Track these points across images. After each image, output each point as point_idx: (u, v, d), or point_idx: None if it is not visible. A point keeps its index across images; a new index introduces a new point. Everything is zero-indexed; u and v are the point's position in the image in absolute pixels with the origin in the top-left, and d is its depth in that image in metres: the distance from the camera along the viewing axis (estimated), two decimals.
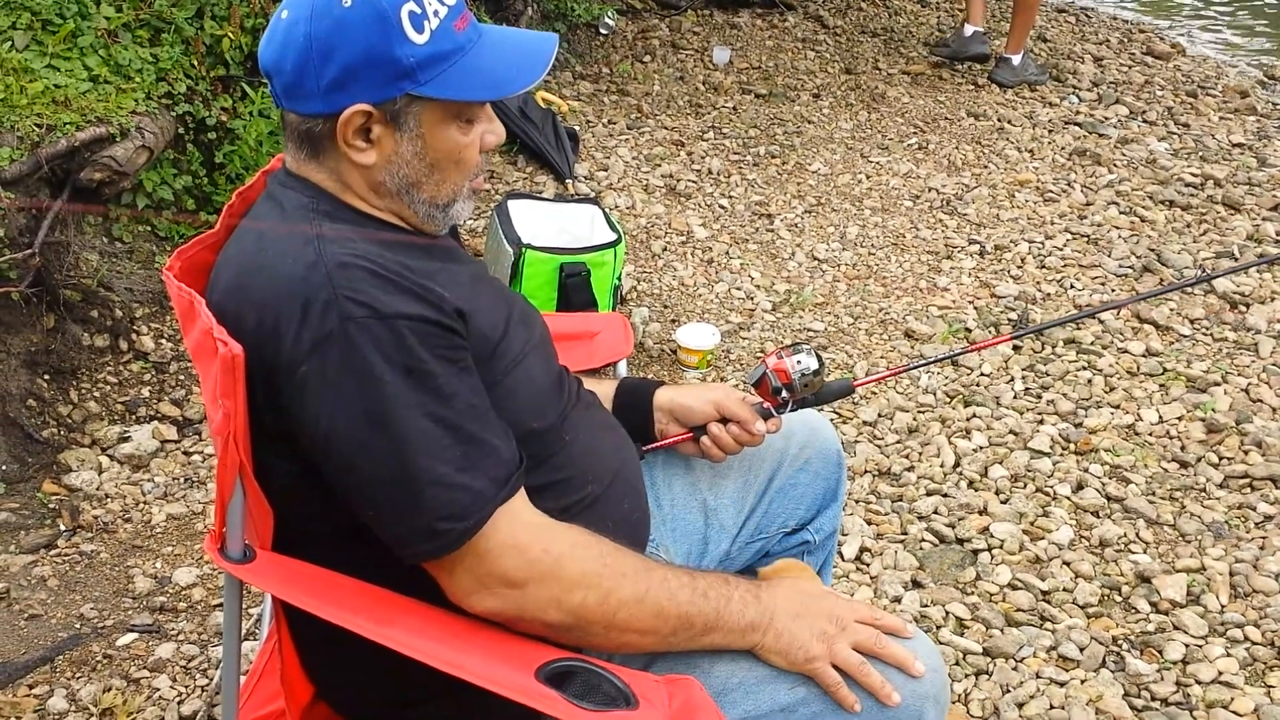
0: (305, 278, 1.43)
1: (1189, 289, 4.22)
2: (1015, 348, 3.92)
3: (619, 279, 3.89)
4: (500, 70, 1.58)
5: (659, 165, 5.14)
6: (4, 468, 3.09)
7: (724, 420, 1.92)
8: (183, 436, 3.32)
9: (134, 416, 3.35)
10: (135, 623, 2.70)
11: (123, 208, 3.66)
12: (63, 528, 2.97)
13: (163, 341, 3.58)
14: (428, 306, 1.44)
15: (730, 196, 4.96)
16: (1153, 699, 2.55)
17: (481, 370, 1.52)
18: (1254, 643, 2.70)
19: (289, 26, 1.52)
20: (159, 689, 2.52)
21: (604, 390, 1.99)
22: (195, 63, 3.87)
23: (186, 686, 2.54)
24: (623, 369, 2.46)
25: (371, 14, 1.49)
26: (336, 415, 1.39)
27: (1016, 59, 6.00)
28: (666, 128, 5.49)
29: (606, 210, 4.07)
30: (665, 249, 4.51)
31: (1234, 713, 2.51)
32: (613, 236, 3.84)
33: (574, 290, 3.71)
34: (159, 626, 2.70)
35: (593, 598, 1.47)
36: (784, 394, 1.90)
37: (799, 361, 1.90)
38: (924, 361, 2.19)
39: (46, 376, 3.29)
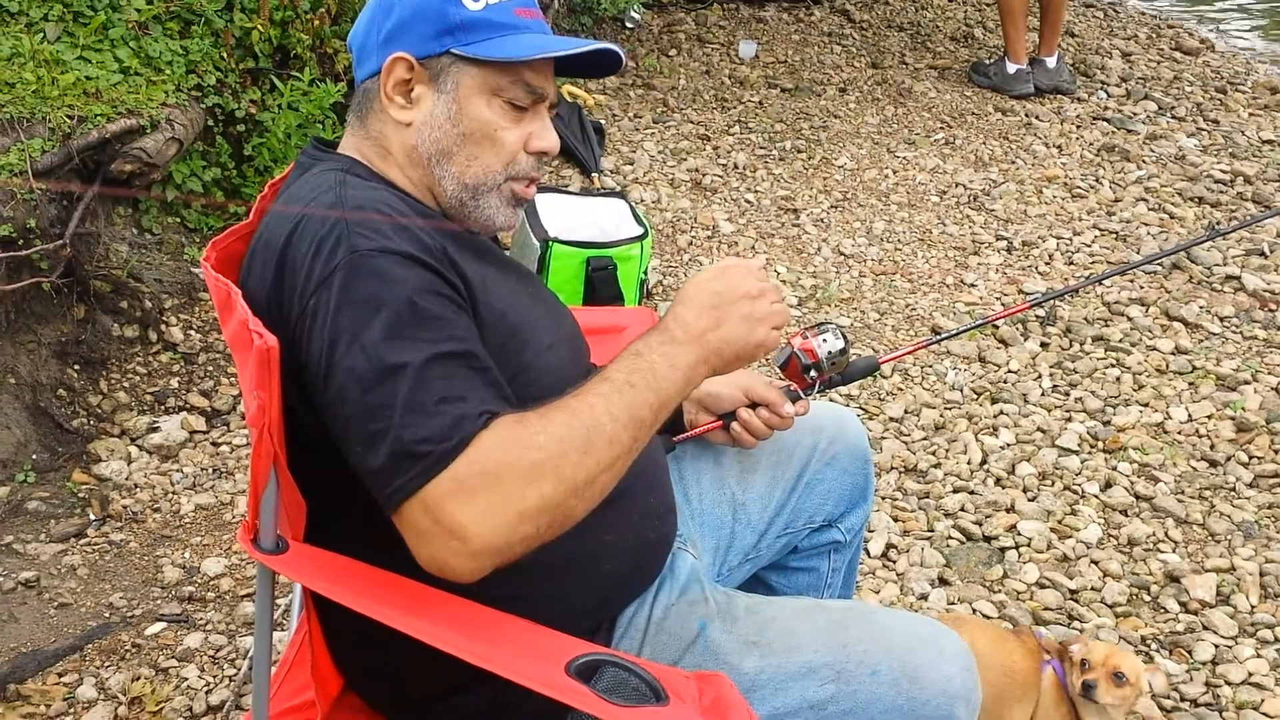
0: (323, 219, 1.44)
1: (1215, 284, 4.19)
2: (1043, 344, 3.90)
3: (645, 273, 3.88)
4: (542, 45, 1.60)
5: (685, 159, 5.13)
6: (35, 457, 3.11)
7: (753, 405, 1.91)
8: (211, 427, 3.33)
9: (163, 407, 3.36)
10: (164, 612, 2.72)
11: (152, 199, 3.68)
12: (92, 517, 2.99)
13: (191, 332, 3.59)
14: (434, 259, 1.43)
15: (756, 191, 4.95)
16: (1182, 699, 2.54)
17: (505, 355, 1.51)
18: None
19: (374, 2, 1.63)
20: (187, 678, 2.54)
21: None
22: (225, 55, 3.88)
23: (214, 676, 2.55)
24: None
25: None
26: (335, 343, 1.36)
27: (1052, 61, 5.96)
28: (692, 122, 5.48)
29: (633, 204, 4.07)
30: (691, 243, 4.51)
31: (1265, 714, 2.49)
32: (639, 230, 3.84)
33: (600, 284, 3.71)
34: (187, 616, 2.71)
35: (548, 485, 1.34)
36: (812, 373, 1.89)
37: (824, 341, 1.89)
38: (947, 335, 2.19)
39: (77, 367, 3.31)
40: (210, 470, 3.18)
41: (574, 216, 3.86)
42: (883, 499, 3.17)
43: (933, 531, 3.05)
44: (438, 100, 1.58)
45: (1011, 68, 5.89)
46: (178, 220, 3.81)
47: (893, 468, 3.30)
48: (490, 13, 1.57)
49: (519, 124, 1.61)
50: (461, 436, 1.32)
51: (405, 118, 1.59)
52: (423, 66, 1.58)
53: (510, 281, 1.64)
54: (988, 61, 6.09)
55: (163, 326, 3.55)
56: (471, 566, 1.33)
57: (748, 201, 4.86)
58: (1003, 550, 2.98)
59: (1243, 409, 3.53)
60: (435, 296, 1.40)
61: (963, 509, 3.13)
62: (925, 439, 3.44)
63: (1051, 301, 4.12)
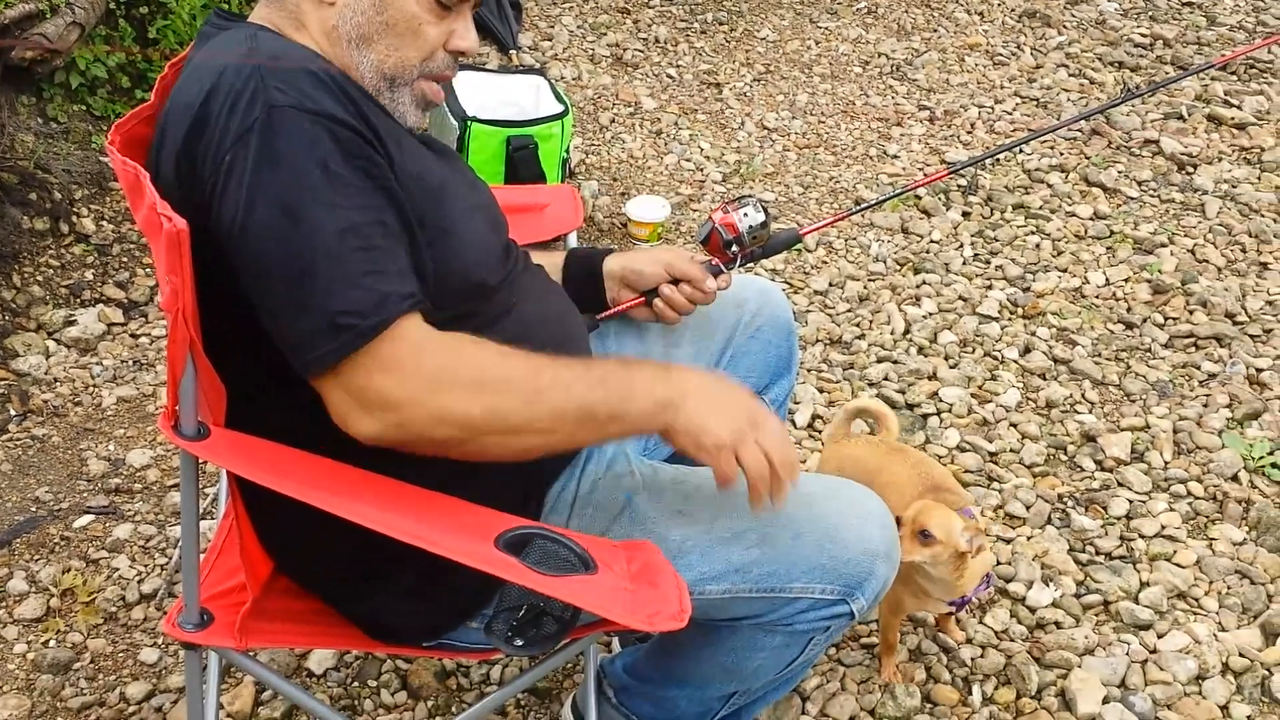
0: (237, 70, 1.40)
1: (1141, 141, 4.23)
2: (965, 214, 3.93)
3: (567, 152, 3.84)
4: None
5: (604, 34, 5.05)
6: None
7: (675, 281, 1.92)
8: (129, 319, 3.28)
9: (79, 300, 3.30)
10: (91, 505, 2.70)
11: (56, 87, 3.56)
12: (13, 413, 2.94)
13: (104, 223, 3.51)
14: (353, 116, 1.41)
15: (678, 66, 4.89)
16: (1097, 553, 2.62)
17: (424, 214, 1.49)
18: (1196, 497, 2.77)
19: None
20: (118, 569, 2.53)
21: (553, 262, 1.97)
22: None
23: (146, 566, 2.55)
24: (573, 241, 2.44)
25: None
26: (254, 204, 1.35)
27: None
28: None
29: (552, 81, 4.00)
30: (613, 120, 4.46)
31: (1176, 565, 2.58)
32: (559, 108, 3.78)
33: (522, 164, 3.67)
34: (115, 508, 2.69)
35: (476, 409, 1.40)
36: (733, 248, 1.89)
37: (745, 215, 1.89)
38: (867, 205, 2.20)
39: None
40: (130, 362, 3.13)
41: (492, 95, 3.80)
42: (808, 371, 3.20)
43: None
44: None
45: None
46: (83, 108, 3.70)
47: (818, 340, 3.33)
48: None
49: (443, 20, 1.57)
50: (384, 317, 1.35)
51: None
52: None
53: (424, 151, 1.62)
54: None
55: (74, 218, 3.46)
56: (374, 431, 1.39)
57: (670, 76, 4.80)
58: (925, 417, 3.04)
59: (1159, 271, 3.60)
60: (353, 159, 1.39)
61: (886, 378, 3.17)
62: (849, 310, 3.47)
63: (973, 171, 4.15)
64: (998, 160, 4.23)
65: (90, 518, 2.66)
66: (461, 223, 1.59)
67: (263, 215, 1.35)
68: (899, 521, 2.03)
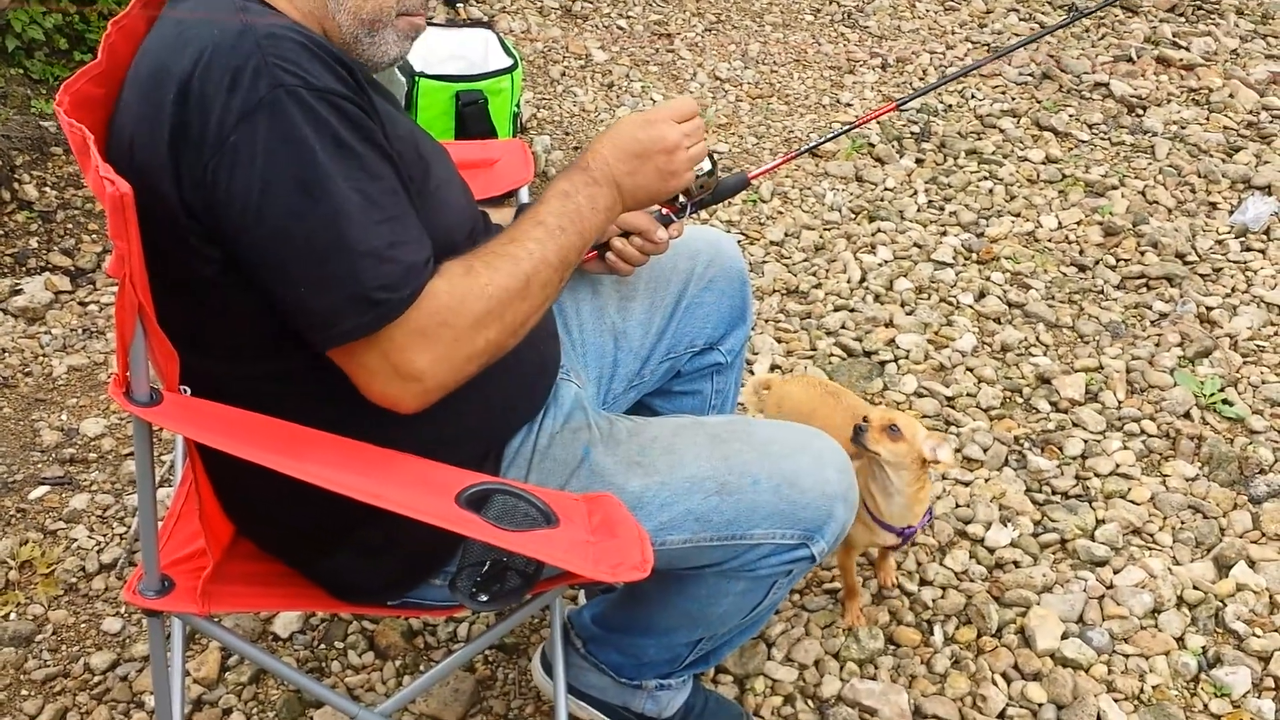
0: (234, 46, 1.37)
1: (1085, 91, 4.24)
2: (918, 160, 3.93)
3: (518, 106, 3.80)
4: None
5: None
6: None
7: (626, 233, 1.91)
8: (77, 287, 3.23)
9: (24, 269, 3.24)
10: (46, 476, 2.67)
11: None
12: None
13: (47, 190, 3.45)
14: (351, 89, 1.41)
15: (628, 16, 4.85)
16: (1054, 493, 2.65)
17: (414, 182, 1.49)
18: (1150, 435, 2.81)
19: None
20: (76, 539, 2.51)
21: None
22: None
23: (104, 535, 2.53)
24: (524, 196, 2.42)
25: None
26: (270, 184, 1.34)
27: None
28: None
29: (501, 35, 3.96)
30: (564, 74, 4.42)
31: (1131, 501, 2.62)
32: (509, 62, 3.74)
33: (472, 119, 3.63)
34: (71, 478, 2.67)
35: (493, 330, 1.46)
36: (680, 199, 1.88)
37: None
38: (817, 142, 2.19)
39: None
40: (80, 331, 3.09)
41: (440, 50, 3.75)
42: (765, 321, 3.21)
43: (815, 350, 3.11)
44: None
45: None
46: (21, 72, 3.62)
47: (775, 290, 3.34)
48: None
49: None
50: (414, 287, 1.39)
51: None
52: None
53: (402, 115, 1.61)
54: None
55: (16, 185, 3.40)
56: (422, 403, 1.45)
57: (620, 28, 4.76)
58: (883, 364, 3.05)
59: (1110, 213, 3.63)
60: (358, 131, 1.39)
61: (843, 326, 3.18)
62: (806, 260, 3.48)
63: (925, 118, 4.15)
64: (950, 107, 4.23)
65: (46, 489, 2.64)
66: (445, 185, 1.61)
67: (280, 196, 1.34)
68: (866, 421, 2.11)
